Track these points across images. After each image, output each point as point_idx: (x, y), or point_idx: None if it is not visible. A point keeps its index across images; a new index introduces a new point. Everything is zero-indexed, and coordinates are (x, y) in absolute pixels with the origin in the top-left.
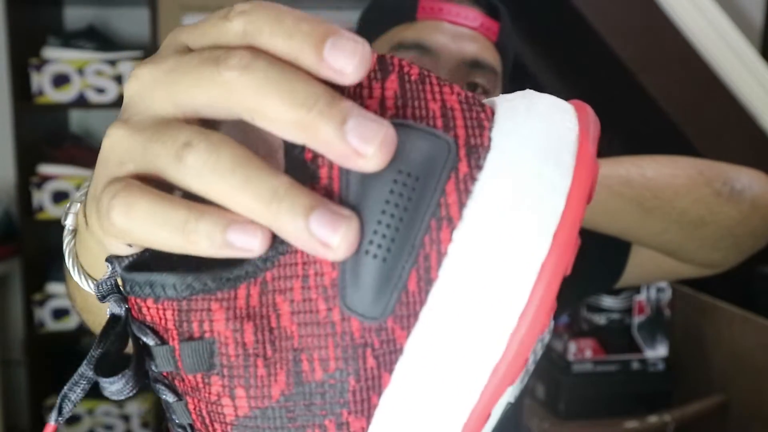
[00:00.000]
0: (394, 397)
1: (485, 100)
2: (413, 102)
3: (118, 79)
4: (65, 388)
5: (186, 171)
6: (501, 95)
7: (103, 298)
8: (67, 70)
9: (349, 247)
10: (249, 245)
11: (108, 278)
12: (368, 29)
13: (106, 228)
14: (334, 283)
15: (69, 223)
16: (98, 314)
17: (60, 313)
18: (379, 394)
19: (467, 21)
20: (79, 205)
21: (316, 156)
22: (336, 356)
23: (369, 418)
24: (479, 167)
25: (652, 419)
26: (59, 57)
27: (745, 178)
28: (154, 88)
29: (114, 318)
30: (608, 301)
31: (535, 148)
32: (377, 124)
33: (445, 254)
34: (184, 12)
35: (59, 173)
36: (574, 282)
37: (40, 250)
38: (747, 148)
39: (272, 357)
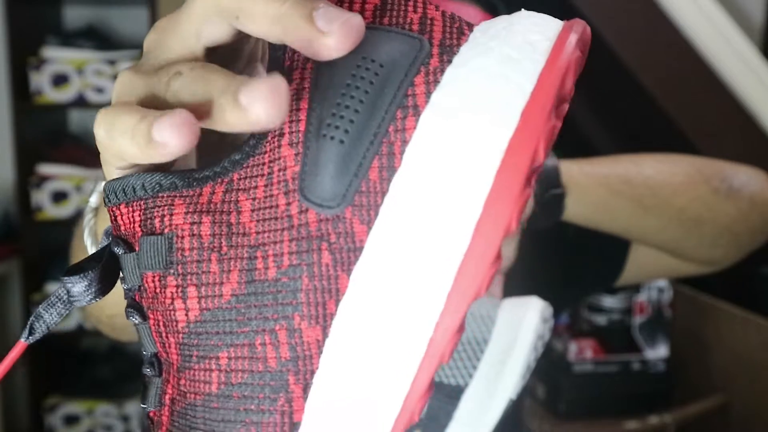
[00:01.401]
0: (353, 305)
1: None
2: (392, 12)
3: None
4: (40, 307)
5: (172, 95)
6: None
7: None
8: (67, 70)
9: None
10: (166, 138)
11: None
12: None
13: (101, 151)
14: (295, 176)
15: (93, 200)
16: (106, 298)
17: None
18: (337, 302)
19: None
20: (104, 183)
21: (293, 62)
22: (290, 251)
23: (325, 329)
24: (450, 61)
25: (653, 420)
26: (58, 56)
27: (743, 175)
28: (169, 30)
29: (97, 252)
30: (609, 301)
31: (507, 37)
32: (344, 11)
33: (408, 142)
34: None
35: (58, 173)
36: (573, 281)
37: (39, 250)
38: (747, 148)
39: (227, 253)
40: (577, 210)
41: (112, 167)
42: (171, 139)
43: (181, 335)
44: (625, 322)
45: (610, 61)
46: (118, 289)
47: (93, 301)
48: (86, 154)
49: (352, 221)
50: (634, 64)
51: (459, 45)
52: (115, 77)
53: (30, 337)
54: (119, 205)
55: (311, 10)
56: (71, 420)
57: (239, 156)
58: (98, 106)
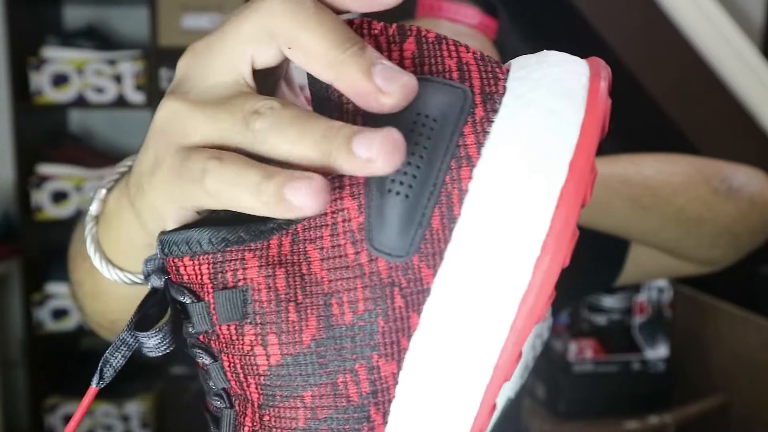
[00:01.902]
0: (424, 339)
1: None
2: (430, 60)
3: (118, 79)
4: (107, 352)
5: (253, 136)
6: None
7: (147, 276)
8: (67, 70)
9: (386, 156)
10: (302, 202)
11: (156, 257)
12: None
13: (189, 192)
14: (360, 226)
15: (93, 209)
16: (108, 301)
17: (59, 314)
18: (409, 337)
19: (466, 18)
20: (104, 191)
21: (340, 95)
22: (365, 297)
23: (399, 362)
24: (495, 110)
25: (653, 420)
26: (58, 56)
27: (742, 175)
28: (212, 52)
29: (153, 291)
30: (609, 301)
31: (547, 88)
32: (401, 70)
33: (466, 191)
34: (184, 11)
35: (58, 173)
36: (573, 280)
37: (39, 250)
38: (747, 148)
39: (303, 302)
40: None
41: (197, 207)
42: (306, 203)
43: (262, 377)
44: (625, 322)
45: (611, 61)
46: (118, 293)
47: (167, 351)
48: (86, 154)
49: (420, 267)
50: (634, 64)
51: (497, 93)
52: (115, 77)
53: (101, 382)
54: (182, 257)
55: (370, 66)
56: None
57: None
58: (98, 106)
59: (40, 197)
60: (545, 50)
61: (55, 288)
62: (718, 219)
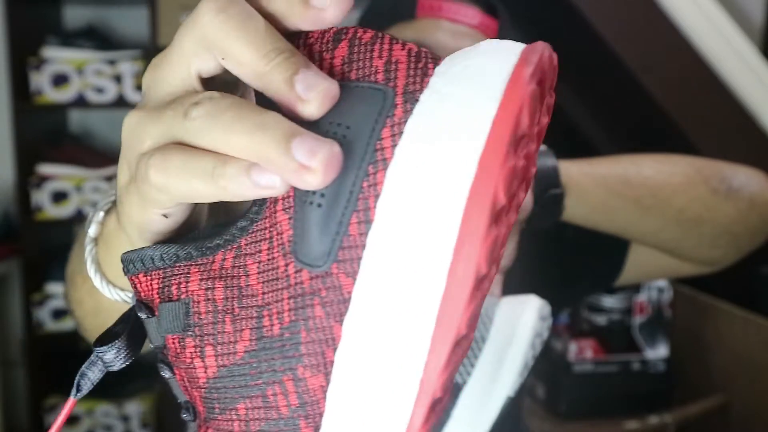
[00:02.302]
0: (348, 352)
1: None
2: (359, 62)
3: (118, 79)
4: (83, 366)
5: (193, 125)
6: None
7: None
8: (67, 70)
9: (328, 169)
10: (272, 182)
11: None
12: (368, 27)
13: (144, 193)
14: (290, 239)
15: (92, 231)
16: (109, 317)
17: (59, 314)
18: (334, 349)
19: (466, 19)
20: (102, 213)
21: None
22: (290, 308)
23: (327, 375)
24: (412, 109)
25: (653, 420)
26: (58, 56)
27: (742, 176)
28: (163, 66)
29: (125, 315)
30: (609, 301)
31: (465, 80)
32: (322, 78)
33: (379, 195)
34: (184, 11)
35: (58, 173)
36: (573, 281)
37: (40, 250)
38: (747, 148)
39: (239, 314)
40: (576, 210)
41: (156, 207)
42: (271, 181)
43: (203, 390)
44: (625, 322)
45: (610, 61)
46: (120, 310)
47: (126, 363)
48: (86, 154)
49: (339, 275)
50: (634, 64)
51: (420, 90)
52: (115, 77)
53: (78, 394)
54: (138, 274)
55: (293, 74)
56: (71, 420)
57: (245, 223)
58: (98, 106)
59: (40, 197)
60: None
61: (55, 288)
62: (718, 219)
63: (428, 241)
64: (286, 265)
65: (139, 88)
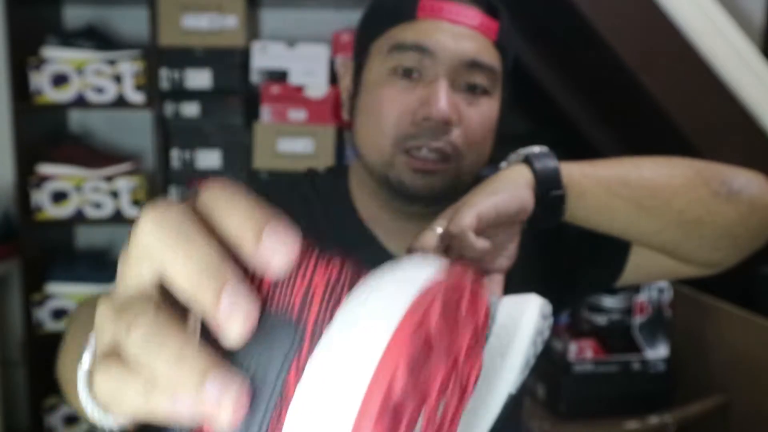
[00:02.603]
0: None
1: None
2: (282, 290)
3: (118, 79)
4: None
5: (131, 344)
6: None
7: None
8: (66, 70)
9: (237, 409)
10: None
11: None
12: (369, 29)
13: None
14: None
15: (85, 364)
16: None
17: (59, 314)
18: None
19: (467, 20)
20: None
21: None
22: None
23: None
24: (315, 349)
25: (653, 420)
26: (58, 56)
27: (742, 178)
28: (123, 262)
29: None
30: (609, 301)
31: (350, 334)
32: (246, 301)
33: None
34: (184, 11)
35: (58, 173)
36: (574, 281)
37: (39, 251)
38: (747, 148)
39: None
40: (577, 211)
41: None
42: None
43: None
44: (625, 322)
45: (610, 61)
46: None
47: None
48: (86, 154)
49: None
50: (634, 64)
51: (329, 324)
52: (114, 77)
53: None
54: None
55: (214, 307)
56: (71, 420)
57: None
58: (98, 106)
59: (40, 197)
60: (396, 261)
61: (55, 288)
62: (718, 221)
63: None
64: None
65: (139, 88)
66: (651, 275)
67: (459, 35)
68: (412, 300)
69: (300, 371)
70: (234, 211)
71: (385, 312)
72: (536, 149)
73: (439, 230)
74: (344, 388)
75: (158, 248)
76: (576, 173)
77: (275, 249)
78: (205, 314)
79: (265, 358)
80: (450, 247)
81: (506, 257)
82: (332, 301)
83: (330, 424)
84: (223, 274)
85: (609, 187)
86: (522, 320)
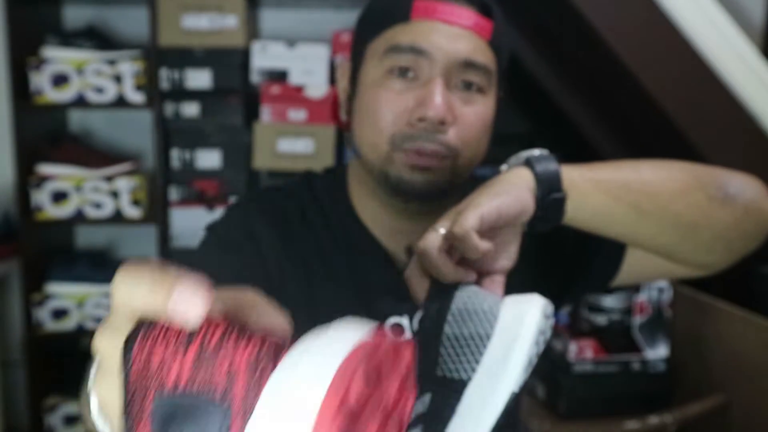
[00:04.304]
0: None
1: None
2: (203, 374)
3: (118, 79)
4: None
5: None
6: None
7: None
8: (66, 70)
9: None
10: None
11: None
12: (365, 30)
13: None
14: None
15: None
16: None
17: (59, 314)
18: None
19: (461, 20)
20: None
21: (134, 411)
22: None
23: None
24: (245, 424)
25: (653, 420)
26: (58, 56)
27: (738, 183)
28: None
29: None
30: (609, 301)
31: (275, 407)
32: (194, 297)
33: None
34: (184, 11)
35: (58, 173)
36: (571, 281)
37: (39, 251)
38: (747, 148)
39: None
40: (577, 214)
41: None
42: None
43: None
44: (625, 322)
45: (611, 61)
46: None
47: None
48: (86, 154)
49: None
50: (634, 64)
51: (255, 402)
52: (114, 77)
53: None
54: None
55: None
56: (71, 420)
57: None
58: (98, 106)
59: (40, 197)
60: (318, 333)
61: (55, 288)
62: (714, 225)
63: None
64: None
65: (139, 88)
66: (646, 275)
67: (453, 36)
68: (330, 379)
69: None
70: (143, 285)
71: (308, 394)
72: (537, 152)
73: (443, 231)
74: None
75: (137, 298)
76: (576, 176)
77: (187, 302)
78: (163, 314)
79: None
80: (453, 248)
81: (507, 258)
82: (255, 381)
83: None
84: (169, 284)
85: (609, 191)
86: (525, 320)
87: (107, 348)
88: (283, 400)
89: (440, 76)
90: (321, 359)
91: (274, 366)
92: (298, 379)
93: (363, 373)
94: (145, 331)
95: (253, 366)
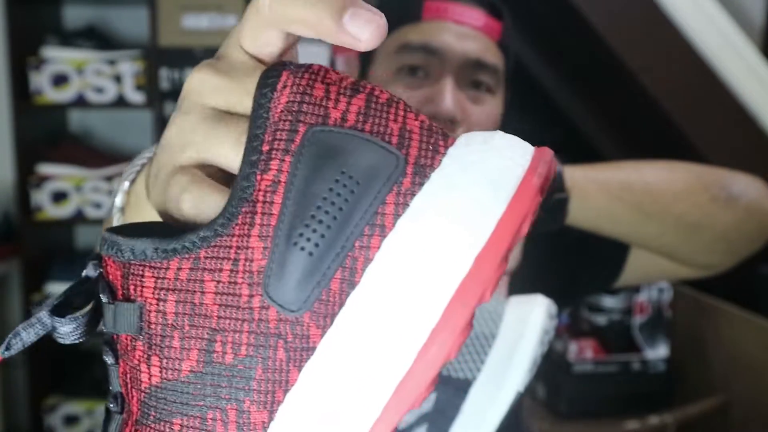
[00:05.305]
0: (300, 396)
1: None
2: (374, 119)
3: (118, 79)
4: (20, 325)
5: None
6: (470, 132)
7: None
8: (66, 70)
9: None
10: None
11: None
12: None
13: (173, 211)
14: (261, 270)
15: (118, 201)
16: None
17: None
18: (285, 391)
19: (471, 20)
20: (128, 183)
21: (271, 148)
22: (248, 342)
23: (272, 413)
24: (421, 184)
25: (653, 420)
26: (58, 56)
27: (741, 183)
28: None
29: (85, 278)
30: (609, 301)
31: (478, 174)
32: (369, 15)
33: (371, 260)
34: (184, 11)
35: (58, 173)
36: (573, 281)
37: (39, 251)
38: (747, 148)
39: (189, 332)
40: (580, 214)
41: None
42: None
43: (143, 394)
44: (625, 322)
45: (612, 62)
46: None
47: (78, 341)
48: (86, 154)
49: (309, 325)
50: (635, 65)
51: (431, 166)
52: (114, 77)
53: (6, 352)
54: (109, 257)
55: (341, 17)
56: (71, 420)
57: (208, 233)
58: (98, 106)
59: (40, 197)
60: (499, 132)
61: (55, 288)
62: (716, 226)
63: (408, 318)
64: (251, 296)
65: (139, 88)
66: (649, 276)
67: (464, 36)
68: (527, 162)
69: (402, 202)
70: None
71: (509, 169)
72: None
73: None
74: (466, 229)
75: (282, 13)
76: (579, 177)
77: (362, 19)
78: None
79: (360, 177)
80: None
81: (511, 259)
82: (431, 146)
83: (443, 264)
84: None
85: (611, 191)
86: (530, 320)
87: (225, 83)
88: (476, 170)
89: (451, 75)
90: (514, 141)
91: (445, 145)
92: (494, 153)
93: (544, 181)
94: (293, 66)
95: (427, 133)
